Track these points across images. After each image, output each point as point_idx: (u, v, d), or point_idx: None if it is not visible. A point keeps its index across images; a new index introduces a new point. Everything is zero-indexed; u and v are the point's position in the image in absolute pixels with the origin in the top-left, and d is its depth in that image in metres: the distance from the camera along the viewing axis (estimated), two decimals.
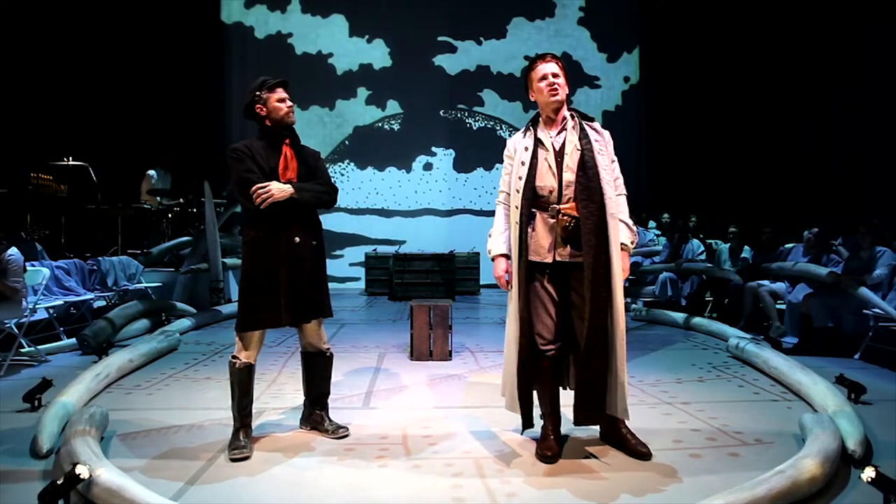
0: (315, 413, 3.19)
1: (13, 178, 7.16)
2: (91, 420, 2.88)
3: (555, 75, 2.78)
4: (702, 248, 7.44)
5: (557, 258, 2.74)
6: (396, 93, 11.19)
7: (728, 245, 7.12)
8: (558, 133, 2.81)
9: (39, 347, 4.91)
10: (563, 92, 2.78)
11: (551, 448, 2.79)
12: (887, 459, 2.72)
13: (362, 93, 11.20)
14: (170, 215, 8.06)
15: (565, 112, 2.83)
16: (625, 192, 2.87)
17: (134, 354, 4.50)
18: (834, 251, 5.78)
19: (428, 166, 11.31)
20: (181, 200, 8.20)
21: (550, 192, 2.75)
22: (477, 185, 11.35)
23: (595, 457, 2.83)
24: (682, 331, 6.22)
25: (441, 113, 11.32)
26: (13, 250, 4.44)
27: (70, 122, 8.36)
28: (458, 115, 11.37)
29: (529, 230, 2.77)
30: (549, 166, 2.76)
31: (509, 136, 11.73)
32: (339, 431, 3.11)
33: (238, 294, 2.99)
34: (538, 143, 2.81)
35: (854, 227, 5.36)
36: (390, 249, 9.85)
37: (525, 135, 2.89)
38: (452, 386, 4.15)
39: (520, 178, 2.78)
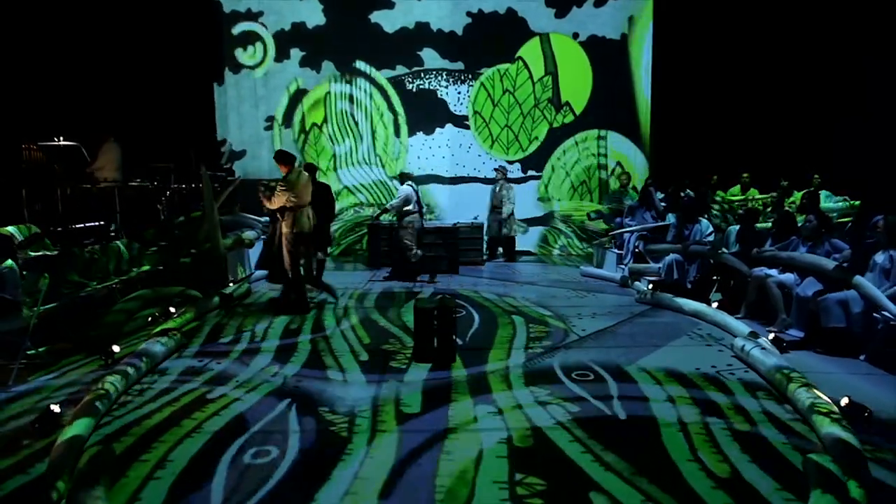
0: None
1: (5, 156, 6.96)
2: (98, 468, 2.88)
3: None
4: (710, 229, 7.29)
5: None
6: (332, 53, 10.63)
7: (738, 227, 6.96)
8: None
9: (45, 350, 4.91)
10: None
11: None
12: None
13: (296, 54, 10.64)
14: (167, 193, 7.90)
15: None
16: None
17: (139, 361, 4.49)
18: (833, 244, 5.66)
19: None
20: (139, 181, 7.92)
21: None
22: (422, 151, 10.93)
23: None
24: (687, 318, 6.20)
25: (379, 73, 10.79)
26: (8, 262, 4.37)
27: (59, 100, 8.07)
28: (397, 77, 10.81)
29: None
30: None
31: (449, 98, 11.33)
32: None
33: None
34: None
35: (871, 223, 5.19)
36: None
37: None
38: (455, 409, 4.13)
39: None
